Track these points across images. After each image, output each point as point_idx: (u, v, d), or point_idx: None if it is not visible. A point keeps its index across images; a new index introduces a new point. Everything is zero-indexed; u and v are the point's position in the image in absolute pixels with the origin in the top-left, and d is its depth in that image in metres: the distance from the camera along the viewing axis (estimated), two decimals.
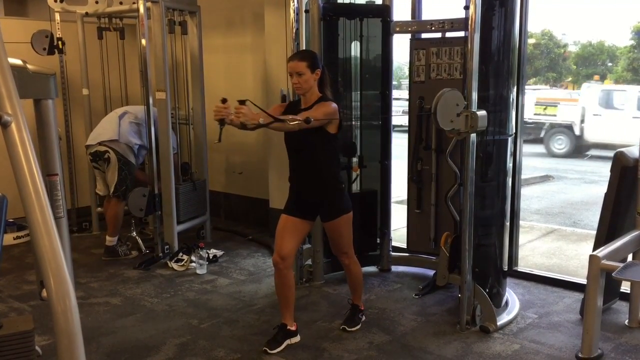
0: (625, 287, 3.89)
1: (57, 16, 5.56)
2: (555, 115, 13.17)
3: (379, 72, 4.61)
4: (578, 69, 22.67)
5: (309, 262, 4.52)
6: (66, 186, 5.98)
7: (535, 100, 13.39)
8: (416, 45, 4.49)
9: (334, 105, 3.31)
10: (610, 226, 3.63)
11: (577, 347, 3.35)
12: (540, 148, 12.97)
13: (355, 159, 4.55)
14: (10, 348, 2.37)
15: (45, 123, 2.01)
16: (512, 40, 3.80)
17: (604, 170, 3.74)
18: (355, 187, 4.63)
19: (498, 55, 3.75)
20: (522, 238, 5.10)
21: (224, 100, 3.01)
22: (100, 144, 5.04)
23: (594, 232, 3.76)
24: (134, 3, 5.00)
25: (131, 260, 5.07)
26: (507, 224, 4.04)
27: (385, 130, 4.67)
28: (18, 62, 2.01)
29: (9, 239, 5.43)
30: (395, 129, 4.93)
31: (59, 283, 1.33)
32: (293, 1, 4.21)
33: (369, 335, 3.61)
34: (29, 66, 2.03)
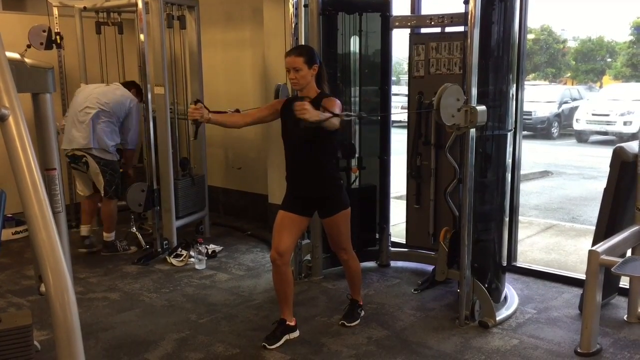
0: (624, 283, 3.89)
1: (55, 11, 5.55)
2: None
3: (378, 67, 4.59)
4: (577, 64, 22.66)
5: (308, 257, 4.52)
6: (65, 181, 5.97)
7: None
8: (415, 40, 4.48)
9: (339, 102, 3.30)
10: (609, 221, 3.62)
11: (576, 342, 3.35)
12: None
13: (354, 161, 4.54)
14: (8, 343, 2.36)
15: (43, 117, 2.00)
16: (512, 35, 3.79)
17: (603, 165, 3.74)
18: (355, 182, 4.63)
19: (498, 50, 3.74)
20: (521, 233, 5.10)
21: (196, 102, 3.30)
22: (75, 149, 4.90)
23: (593, 228, 3.76)
24: None
25: (130, 255, 5.06)
26: (506, 219, 4.04)
27: (385, 125, 4.66)
28: (16, 56, 2.00)
29: (7, 234, 5.43)
30: (395, 124, 4.92)
31: (57, 278, 1.32)
32: None
33: (367, 331, 3.61)
34: (26, 60, 2.02)
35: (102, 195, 5.01)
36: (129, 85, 5.21)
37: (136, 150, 5.52)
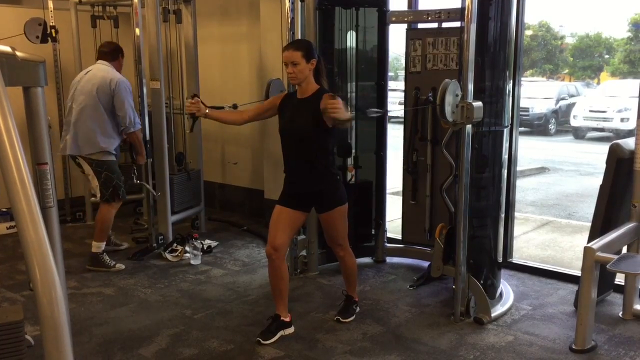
0: (619, 279, 3.89)
1: (51, 4, 5.52)
2: None
3: (375, 62, 4.58)
4: (575, 60, 22.67)
5: (304, 253, 4.51)
6: (60, 176, 5.94)
7: None
8: (412, 35, 4.46)
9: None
10: (605, 218, 3.62)
11: (571, 338, 3.35)
12: None
13: (350, 160, 4.52)
14: None
15: (34, 111, 1.97)
16: (509, 31, 3.77)
17: (600, 162, 3.73)
18: (352, 179, 4.61)
19: (494, 46, 3.73)
20: (517, 230, 5.10)
21: (193, 96, 3.41)
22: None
23: (589, 224, 3.75)
24: None
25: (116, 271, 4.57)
26: (502, 215, 4.02)
27: (381, 121, 4.65)
28: (7, 49, 1.98)
29: (2, 228, 5.41)
30: (391, 120, 4.91)
31: (45, 274, 1.30)
32: None
33: (363, 327, 3.60)
34: (17, 53, 1.99)
35: (99, 198, 4.61)
36: (113, 53, 4.68)
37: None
